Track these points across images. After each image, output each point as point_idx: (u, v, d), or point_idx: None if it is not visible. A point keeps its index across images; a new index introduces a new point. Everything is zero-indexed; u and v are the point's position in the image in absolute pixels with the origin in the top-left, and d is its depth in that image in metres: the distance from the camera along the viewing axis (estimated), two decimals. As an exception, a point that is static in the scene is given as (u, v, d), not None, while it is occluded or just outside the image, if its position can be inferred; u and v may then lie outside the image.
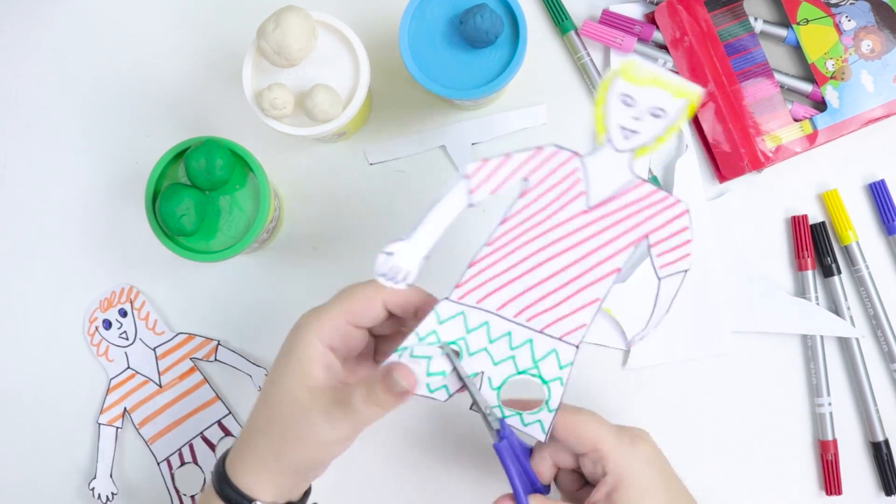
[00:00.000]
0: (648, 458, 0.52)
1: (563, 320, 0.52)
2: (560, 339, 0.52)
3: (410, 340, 0.51)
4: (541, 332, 0.52)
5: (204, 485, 0.65)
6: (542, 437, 0.53)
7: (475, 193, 0.49)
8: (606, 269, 0.51)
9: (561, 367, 0.52)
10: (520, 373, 0.52)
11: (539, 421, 0.53)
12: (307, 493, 0.55)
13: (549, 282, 0.51)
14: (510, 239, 0.51)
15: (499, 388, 0.53)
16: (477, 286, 0.51)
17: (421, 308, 0.51)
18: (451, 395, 0.53)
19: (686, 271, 0.51)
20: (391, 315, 0.53)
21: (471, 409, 0.53)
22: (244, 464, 0.51)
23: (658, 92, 0.48)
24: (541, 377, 0.52)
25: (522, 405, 0.53)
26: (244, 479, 0.50)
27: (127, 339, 0.65)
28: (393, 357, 0.51)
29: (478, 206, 0.50)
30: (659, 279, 0.51)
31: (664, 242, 0.51)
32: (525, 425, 0.53)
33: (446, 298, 0.51)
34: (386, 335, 0.55)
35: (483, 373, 0.52)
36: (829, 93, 0.63)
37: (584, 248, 0.51)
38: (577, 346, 0.52)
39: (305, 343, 0.50)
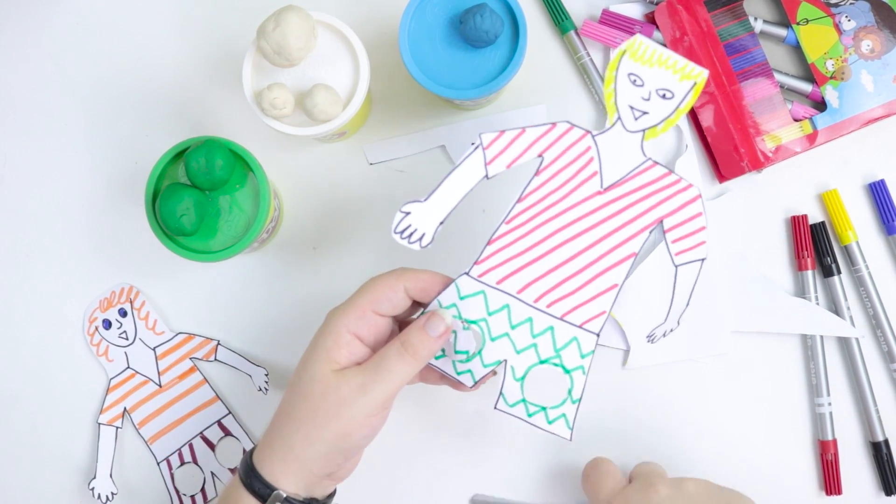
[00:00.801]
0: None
1: (582, 307, 0.52)
2: (580, 326, 0.52)
3: (432, 307, 0.52)
4: (561, 318, 0.52)
5: (203, 484, 0.65)
6: (566, 435, 0.53)
7: (491, 165, 0.50)
8: (623, 254, 0.51)
9: (583, 356, 0.52)
10: (542, 362, 0.52)
11: (563, 415, 0.53)
12: (331, 496, 0.55)
13: (567, 265, 0.51)
14: (528, 218, 0.51)
15: (522, 378, 0.53)
16: (496, 265, 0.52)
17: (441, 290, 0.52)
18: (476, 383, 0.53)
19: (703, 259, 0.51)
20: (415, 304, 0.54)
21: (495, 408, 0.53)
22: (271, 451, 0.51)
23: (665, 74, 0.48)
24: (563, 366, 0.52)
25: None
26: (270, 468, 0.51)
27: (127, 338, 0.65)
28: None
29: (493, 178, 0.50)
30: (675, 267, 0.52)
31: (679, 228, 0.51)
32: (550, 423, 0.53)
33: (466, 274, 0.52)
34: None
35: (506, 361, 0.52)
36: (829, 93, 0.63)
37: (600, 231, 0.51)
38: (598, 335, 0.52)
39: (331, 332, 0.51)
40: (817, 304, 0.63)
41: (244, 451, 0.65)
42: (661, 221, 0.51)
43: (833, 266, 0.63)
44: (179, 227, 0.57)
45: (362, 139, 0.66)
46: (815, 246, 0.64)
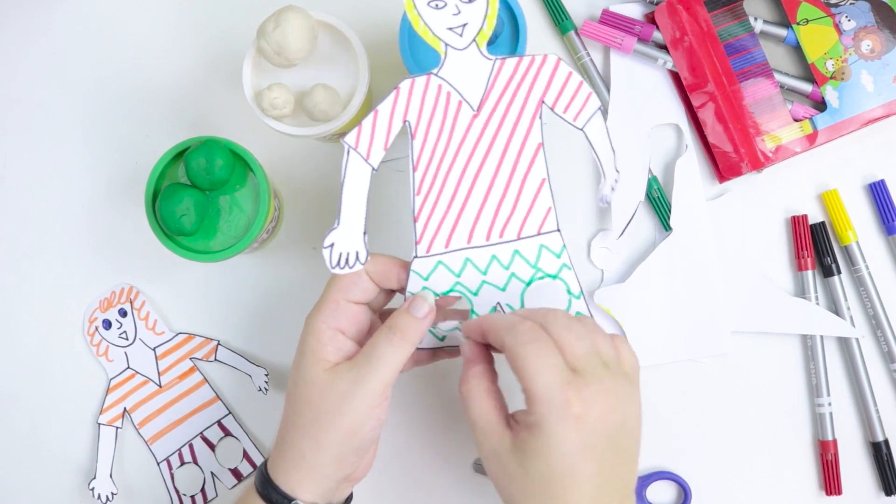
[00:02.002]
0: (585, 432, 0.45)
1: (529, 217, 0.52)
2: (539, 234, 0.52)
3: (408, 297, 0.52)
4: (519, 238, 0.52)
5: (204, 484, 0.65)
6: None
7: (371, 158, 0.51)
8: (531, 151, 0.52)
9: (558, 256, 0.53)
10: (528, 283, 0.53)
11: (577, 312, 0.53)
12: (349, 500, 0.55)
13: (492, 192, 0.52)
14: (432, 179, 0.52)
15: (522, 307, 0.53)
16: (435, 234, 0.52)
17: (401, 273, 0.53)
18: None
19: (600, 107, 0.52)
20: (385, 292, 0.54)
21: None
22: (284, 463, 0.51)
23: None
24: (548, 275, 0.53)
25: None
26: (286, 479, 0.50)
27: (127, 339, 0.65)
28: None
29: (380, 167, 0.51)
30: (582, 130, 0.52)
31: (561, 97, 0.52)
32: None
33: (415, 257, 0.52)
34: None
35: (499, 303, 0.53)
36: (829, 93, 0.63)
37: (499, 146, 0.52)
38: (558, 230, 0.53)
39: (312, 332, 0.51)
40: (817, 304, 0.63)
41: (244, 451, 0.65)
42: (543, 102, 0.51)
43: (833, 266, 0.63)
44: (179, 227, 0.57)
45: (362, 139, 0.66)
46: (815, 246, 0.64)
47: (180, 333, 0.66)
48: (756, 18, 0.64)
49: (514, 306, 0.53)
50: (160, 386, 0.65)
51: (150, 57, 0.67)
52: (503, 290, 0.53)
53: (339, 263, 0.51)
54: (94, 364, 0.66)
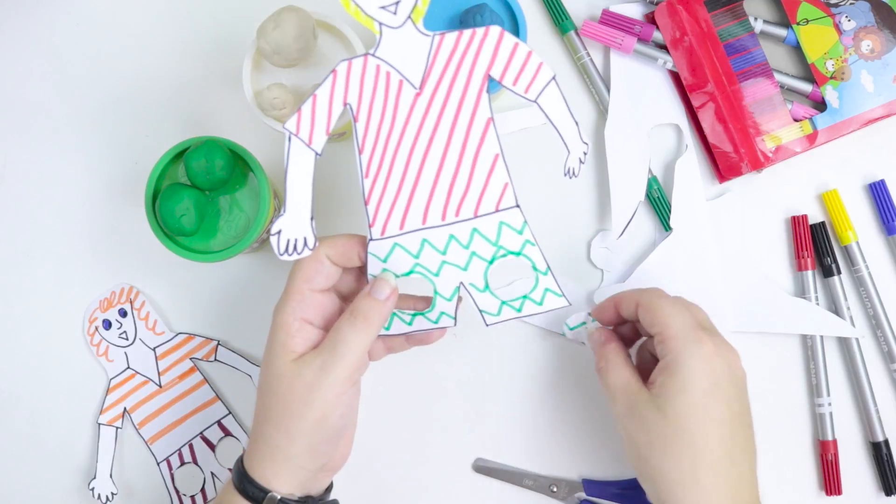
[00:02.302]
0: (716, 374, 0.50)
1: (485, 194, 0.51)
2: (497, 210, 0.51)
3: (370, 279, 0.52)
4: (476, 216, 0.51)
5: (204, 484, 0.65)
6: (563, 303, 0.53)
7: (314, 143, 0.50)
8: (481, 126, 0.50)
9: (520, 232, 0.52)
10: (491, 262, 0.52)
11: (546, 290, 0.52)
12: (328, 490, 0.55)
13: (443, 171, 0.51)
14: (379, 161, 0.51)
15: (486, 287, 0.52)
16: (388, 216, 0.51)
17: (360, 250, 0.52)
18: (456, 317, 0.53)
19: (553, 77, 0.50)
20: (351, 273, 0.54)
21: (487, 325, 0.53)
22: (259, 455, 0.51)
23: None
24: (511, 252, 0.52)
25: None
26: (262, 472, 0.51)
27: (127, 339, 0.65)
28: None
29: (324, 152, 0.50)
30: (535, 102, 0.50)
31: (509, 69, 0.50)
32: (540, 304, 0.53)
33: (371, 240, 0.52)
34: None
35: (462, 283, 0.52)
36: (829, 93, 0.63)
37: (446, 123, 0.50)
38: (518, 206, 0.51)
39: (280, 325, 0.51)
40: (817, 304, 0.63)
41: (244, 451, 0.65)
42: (490, 76, 0.50)
43: (833, 266, 0.63)
44: (179, 227, 0.57)
45: (362, 139, 0.66)
46: (815, 246, 0.64)
47: (180, 333, 0.66)
48: (756, 18, 0.64)
49: (478, 286, 0.52)
50: (160, 386, 0.65)
51: (149, 57, 0.67)
52: (465, 269, 0.52)
53: (287, 250, 0.51)
54: (94, 364, 0.66)
